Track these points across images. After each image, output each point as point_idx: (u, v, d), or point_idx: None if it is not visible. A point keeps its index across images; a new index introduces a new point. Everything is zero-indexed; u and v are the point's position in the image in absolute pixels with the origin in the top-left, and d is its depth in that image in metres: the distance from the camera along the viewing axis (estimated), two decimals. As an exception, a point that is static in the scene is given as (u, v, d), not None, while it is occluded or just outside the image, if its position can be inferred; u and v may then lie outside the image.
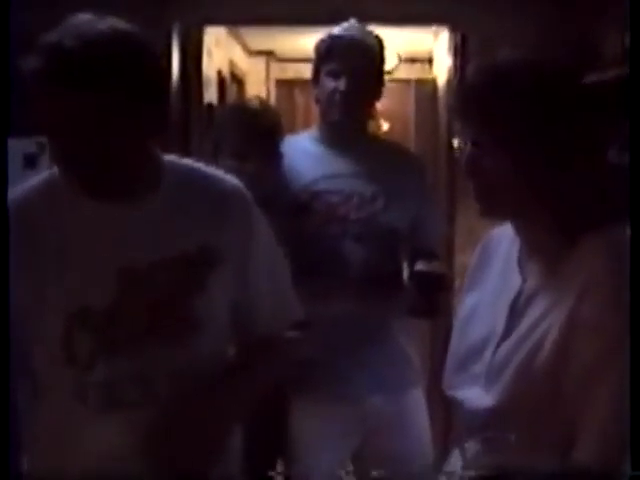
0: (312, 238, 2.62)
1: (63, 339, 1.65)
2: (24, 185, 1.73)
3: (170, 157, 1.78)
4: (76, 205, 1.66)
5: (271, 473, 2.49)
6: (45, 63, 1.51)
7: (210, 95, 5.34)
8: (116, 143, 1.58)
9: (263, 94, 7.81)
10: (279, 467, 2.74)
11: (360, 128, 2.77)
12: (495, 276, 1.68)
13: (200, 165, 1.83)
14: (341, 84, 2.60)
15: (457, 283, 2.20)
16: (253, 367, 1.83)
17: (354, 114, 2.68)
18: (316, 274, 2.58)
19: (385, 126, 7.72)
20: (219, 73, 6.07)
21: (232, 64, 6.89)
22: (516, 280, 1.59)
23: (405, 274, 2.74)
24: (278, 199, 2.56)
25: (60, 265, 1.64)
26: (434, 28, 5.47)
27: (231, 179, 1.82)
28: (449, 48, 4.62)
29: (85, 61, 1.50)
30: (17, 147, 3.47)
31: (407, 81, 7.12)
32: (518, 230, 1.60)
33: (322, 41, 2.70)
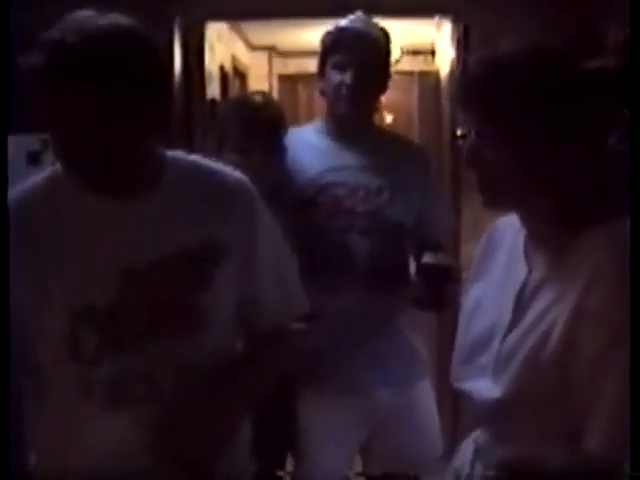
0: (318, 231, 2.61)
1: (67, 337, 1.65)
2: (26, 183, 1.73)
3: (173, 153, 1.78)
4: (79, 202, 1.66)
5: (280, 473, 2.50)
6: (47, 59, 1.50)
7: (213, 90, 5.33)
8: (118, 139, 1.58)
9: (265, 89, 7.79)
10: (288, 464, 2.76)
11: (366, 121, 2.76)
12: (500, 267, 1.68)
13: (203, 160, 1.82)
14: (347, 77, 2.60)
15: (464, 275, 2.19)
16: (259, 361, 1.83)
17: (360, 107, 2.67)
18: (322, 267, 2.58)
19: (389, 118, 7.71)
20: (221, 68, 6.06)
21: (234, 59, 6.88)
22: (522, 271, 1.59)
23: (411, 267, 2.73)
24: (283, 192, 2.56)
25: (63, 263, 1.64)
26: (436, 20, 5.46)
27: (235, 173, 1.82)
28: (452, 40, 4.61)
29: (87, 57, 1.50)
30: (20, 144, 3.47)
31: (410, 73, 7.11)
32: (522, 221, 1.59)
33: (328, 33, 2.69)
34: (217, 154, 2.45)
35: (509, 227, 1.66)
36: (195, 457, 1.62)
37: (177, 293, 1.68)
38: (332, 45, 2.65)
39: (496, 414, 1.55)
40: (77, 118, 1.53)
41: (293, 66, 8.26)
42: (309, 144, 2.69)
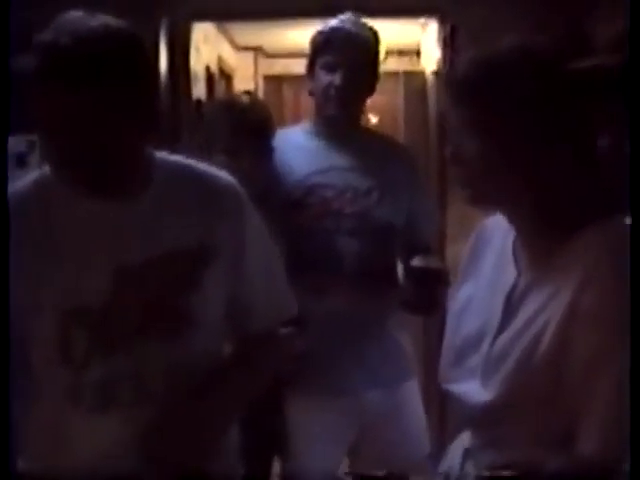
0: (306, 233, 2.61)
1: (58, 338, 1.64)
2: (14, 185, 1.72)
3: (162, 154, 1.77)
4: (68, 204, 1.66)
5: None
6: (40, 61, 1.50)
7: (198, 91, 5.33)
8: (109, 140, 1.57)
9: (251, 89, 7.79)
10: (276, 465, 2.75)
11: (355, 122, 2.76)
12: (489, 268, 1.67)
13: (192, 162, 1.82)
14: (337, 78, 2.59)
15: (451, 274, 2.19)
16: (248, 363, 1.83)
17: (349, 108, 2.67)
18: (311, 269, 2.58)
19: (374, 119, 7.71)
20: (207, 69, 6.06)
21: (220, 60, 6.88)
22: (511, 272, 1.58)
23: (399, 268, 2.73)
24: (272, 194, 2.55)
25: (53, 264, 1.64)
26: (422, 20, 5.47)
27: (224, 175, 1.82)
28: (438, 40, 4.62)
29: (79, 58, 1.50)
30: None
31: (395, 74, 7.09)
32: (510, 221, 1.59)
33: (318, 34, 2.68)
34: (205, 156, 2.44)
35: (498, 227, 1.65)
36: (184, 459, 1.62)
37: (166, 294, 1.68)
38: (322, 45, 2.64)
39: (485, 417, 1.54)
40: (68, 119, 1.53)
41: (279, 67, 8.26)
42: (297, 145, 2.69)
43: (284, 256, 2.01)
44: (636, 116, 1.00)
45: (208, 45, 5.98)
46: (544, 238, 1.52)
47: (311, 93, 2.70)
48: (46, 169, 1.67)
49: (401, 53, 7.43)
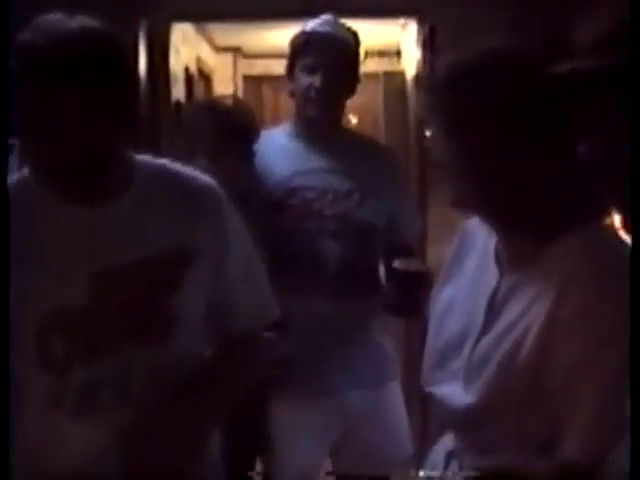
0: (288, 234, 2.61)
1: (38, 342, 1.63)
2: None
3: (142, 157, 1.77)
4: (47, 207, 1.65)
5: (250, 473, 2.49)
6: (18, 62, 1.49)
7: (177, 92, 5.31)
8: (88, 142, 1.57)
9: (230, 90, 7.78)
10: (258, 466, 2.75)
11: (335, 123, 2.76)
12: (472, 269, 1.67)
13: (172, 164, 1.81)
14: (317, 80, 2.59)
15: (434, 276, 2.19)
16: (230, 366, 1.82)
17: (330, 110, 2.67)
18: (293, 270, 2.58)
19: (354, 120, 7.71)
20: (186, 70, 6.04)
21: (199, 61, 6.86)
22: (493, 275, 1.58)
23: (381, 270, 2.73)
24: (253, 196, 2.54)
25: (32, 268, 1.62)
26: (402, 20, 5.47)
27: (204, 177, 1.81)
28: (417, 40, 4.62)
29: (57, 59, 1.49)
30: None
31: (375, 74, 7.09)
32: (491, 225, 1.58)
33: (298, 36, 2.68)
34: (186, 158, 2.42)
35: (481, 228, 1.64)
36: (166, 463, 1.61)
37: (147, 297, 1.68)
38: (301, 47, 2.64)
39: (468, 420, 1.54)
40: (46, 121, 1.52)
41: (258, 67, 8.24)
42: (278, 147, 2.68)
43: (266, 258, 2.00)
44: (636, 116, 0.99)
45: (187, 46, 5.96)
46: (525, 241, 1.51)
47: (291, 95, 2.69)
48: (25, 171, 1.66)
49: (381, 54, 7.43)
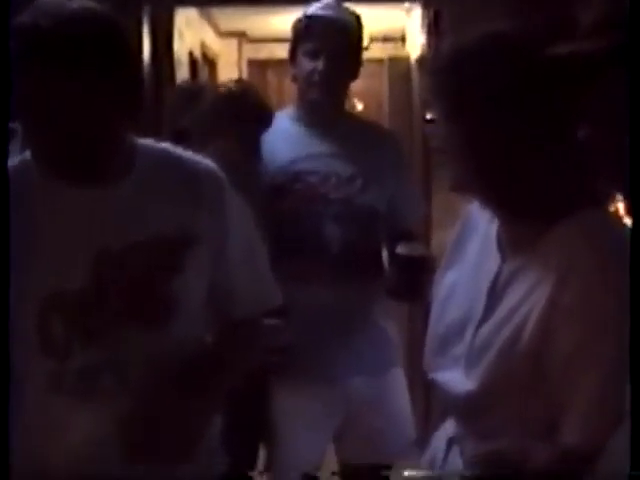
0: (291, 219, 2.61)
1: (38, 326, 1.63)
2: None
3: (143, 141, 1.76)
4: (48, 190, 1.65)
5: (251, 473, 2.49)
6: (19, 44, 1.48)
7: (182, 77, 5.29)
8: (91, 125, 1.56)
9: (235, 75, 7.75)
10: (261, 453, 2.75)
11: (338, 108, 2.75)
12: (474, 254, 1.66)
13: (173, 148, 1.81)
14: (320, 64, 2.58)
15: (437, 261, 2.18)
16: (230, 351, 1.82)
17: (333, 94, 2.66)
18: (296, 255, 2.58)
19: (359, 106, 7.69)
20: (190, 55, 6.02)
21: (204, 45, 6.84)
22: (495, 260, 1.57)
23: (384, 255, 2.72)
24: (257, 179, 2.54)
25: (33, 251, 1.62)
26: (406, 5, 5.45)
27: (205, 161, 1.81)
28: (422, 25, 4.60)
29: (60, 41, 1.49)
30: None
31: (380, 60, 7.07)
32: (493, 210, 1.58)
33: (299, 20, 2.67)
34: (198, 142, 2.41)
35: (483, 213, 1.63)
36: (165, 448, 1.61)
37: (148, 280, 1.67)
38: (304, 32, 2.63)
39: (469, 407, 1.53)
40: (47, 104, 1.52)
41: (263, 52, 8.23)
42: (281, 131, 2.67)
43: (268, 242, 1.99)
44: (636, 114, 0.99)
45: (191, 31, 5.94)
46: (526, 227, 1.51)
47: (294, 79, 2.69)
48: (27, 154, 1.65)
49: (386, 39, 7.42)
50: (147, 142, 1.77)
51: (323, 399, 2.61)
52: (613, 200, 1.43)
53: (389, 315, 2.81)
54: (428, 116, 1.58)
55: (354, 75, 2.73)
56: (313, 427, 2.63)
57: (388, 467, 1.78)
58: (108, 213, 1.66)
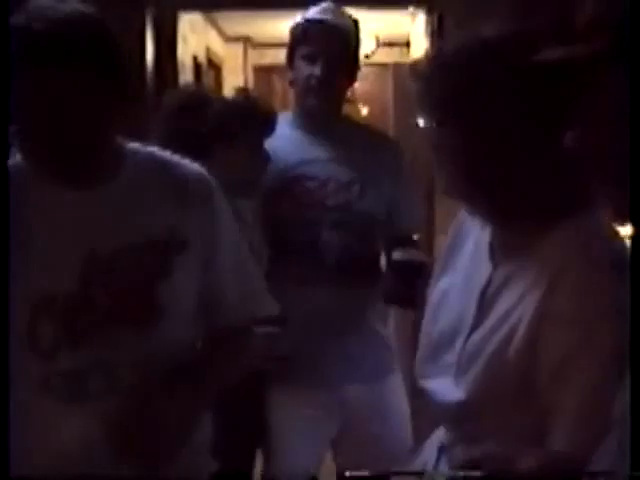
0: (289, 224, 2.60)
1: (27, 328, 1.63)
2: None
3: (132, 144, 1.76)
4: (38, 192, 1.64)
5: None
6: (14, 46, 1.48)
7: (185, 81, 5.30)
8: (79, 127, 1.56)
9: (240, 80, 7.77)
10: (258, 459, 2.74)
11: (336, 112, 2.74)
12: (466, 260, 1.65)
13: (161, 151, 1.81)
14: (317, 69, 2.57)
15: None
16: (219, 356, 1.81)
17: (330, 99, 2.65)
18: (293, 260, 2.58)
19: (364, 111, 7.70)
20: (195, 59, 6.03)
21: (209, 50, 6.85)
22: (486, 267, 1.55)
23: (382, 261, 2.72)
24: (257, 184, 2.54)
25: (23, 253, 1.62)
26: (411, 10, 5.45)
27: (193, 165, 1.80)
28: (426, 31, 4.60)
29: (53, 43, 1.49)
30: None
31: (385, 65, 7.10)
32: (483, 215, 1.56)
33: (297, 25, 2.67)
34: (202, 145, 2.40)
35: (475, 219, 1.63)
36: (151, 450, 1.60)
37: (136, 283, 1.67)
38: (301, 36, 2.63)
39: (458, 415, 1.52)
40: (36, 105, 1.52)
41: (268, 57, 8.24)
42: (280, 136, 2.66)
43: (267, 246, 1.99)
44: (636, 113, 0.98)
45: (196, 35, 5.96)
46: (516, 233, 1.50)
47: (291, 84, 2.68)
48: (17, 157, 1.65)
49: (391, 45, 7.43)
50: (135, 145, 1.77)
51: (321, 405, 2.60)
52: (604, 206, 1.42)
53: (387, 321, 2.81)
54: (420, 122, 1.57)
55: (351, 79, 2.72)
56: (311, 433, 2.62)
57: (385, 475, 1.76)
58: (96, 215, 1.66)
